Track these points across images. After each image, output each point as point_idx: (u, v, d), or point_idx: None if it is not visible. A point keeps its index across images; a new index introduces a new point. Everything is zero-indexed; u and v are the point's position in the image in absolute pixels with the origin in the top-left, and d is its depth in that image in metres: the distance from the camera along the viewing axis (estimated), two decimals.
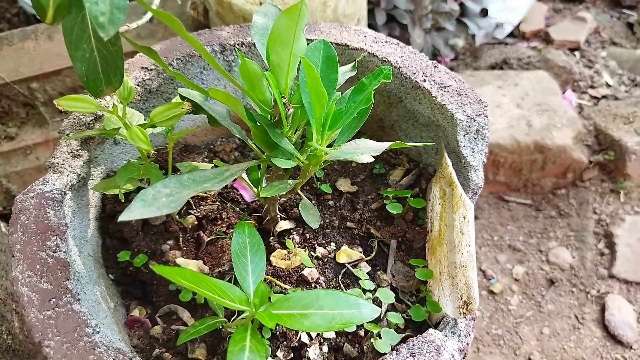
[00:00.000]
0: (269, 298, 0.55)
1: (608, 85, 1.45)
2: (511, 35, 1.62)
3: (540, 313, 1.13)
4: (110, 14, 0.41)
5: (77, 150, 0.64)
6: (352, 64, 0.66)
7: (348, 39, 0.77)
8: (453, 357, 0.51)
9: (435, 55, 1.44)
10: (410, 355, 0.50)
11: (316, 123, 0.56)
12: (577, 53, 1.59)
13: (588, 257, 1.19)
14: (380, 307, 0.65)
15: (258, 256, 0.54)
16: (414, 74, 0.72)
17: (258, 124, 0.59)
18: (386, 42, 0.77)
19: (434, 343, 0.51)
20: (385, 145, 0.60)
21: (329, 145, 0.60)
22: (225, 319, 0.57)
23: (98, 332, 0.51)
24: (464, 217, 0.60)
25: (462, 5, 1.41)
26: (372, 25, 1.16)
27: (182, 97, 0.62)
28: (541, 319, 1.13)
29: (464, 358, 0.55)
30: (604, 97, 1.42)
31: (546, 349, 1.09)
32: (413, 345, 0.51)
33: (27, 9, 1.53)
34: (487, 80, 1.31)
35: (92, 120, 0.66)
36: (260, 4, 0.89)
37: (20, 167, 1.13)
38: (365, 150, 0.61)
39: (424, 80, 0.71)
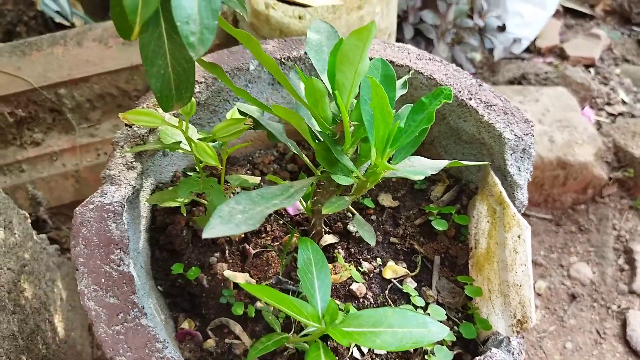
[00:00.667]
0: None
1: (624, 103, 1.48)
2: (527, 50, 1.64)
3: (563, 328, 1.15)
4: (200, 34, 0.42)
5: (131, 162, 0.65)
6: (402, 81, 0.66)
7: (392, 56, 0.78)
8: None
9: None
10: None
11: (378, 141, 0.56)
12: (592, 70, 1.61)
13: (608, 273, 1.21)
14: None
15: (323, 273, 0.54)
16: (459, 92, 0.73)
17: (318, 141, 0.60)
18: (430, 59, 0.78)
19: None
20: (443, 164, 0.61)
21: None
22: (287, 335, 0.57)
23: (167, 347, 0.51)
24: (518, 237, 0.61)
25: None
26: (399, 39, 1.18)
27: (241, 112, 0.62)
28: (564, 334, 1.14)
29: None
30: (620, 114, 1.44)
31: None
32: None
33: (48, 12, 1.53)
34: (507, 95, 1.33)
35: (146, 132, 0.66)
36: (299, 17, 0.90)
37: (46, 173, 1.13)
38: (422, 168, 0.62)
39: (470, 99, 0.72)
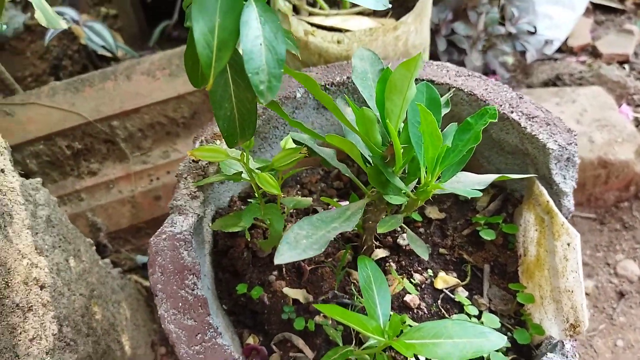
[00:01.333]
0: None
1: None
2: (559, 50, 1.65)
3: (613, 326, 1.15)
4: (268, 82, 0.46)
5: (194, 192, 0.70)
6: (445, 100, 0.70)
7: (432, 75, 0.81)
8: None
9: (486, 74, 1.48)
10: None
11: (428, 162, 0.60)
12: (626, 66, 1.60)
13: None
14: None
15: (383, 289, 0.58)
16: (500, 105, 0.76)
17: (369, 164, 0.64)
18: (469, 75, 0.80)
19: None
20: (491, 179, 0.64)
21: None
22: (352, 348, 0.61)
23: None
24: (568, 244, 0.63)
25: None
26: (432, 52, 1.21)
27: (295, 142, 0.67)
28: (614, 332, 1.14)
29: None
30: None
31: None
32: None
33: (92, 47, 1.61)
34: (544, 97, 1.34)
35: (206, 164, 0.71)
36: (338, 42, 0.94)
37: (104, 201, 1.20)
38: (469, 184, 0.65)
39: (512, 112, 0.75)
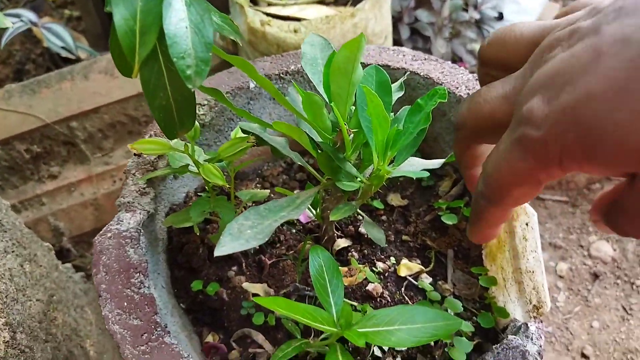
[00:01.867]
0: None
1: None
2: None
3: (588, 307, 1.15)
4: (196, 67, 0.44)
5: (144, 188, 0.67)
6: (399, 84, 0.68)
7: (388, 60, 0.79)
8: None
9: (454, 61, 1.47)
10: None
11: (378, 146, 0.58)
12: None
13: (629, 249, 1.20)
14: None
15: (335, 277, 0.56)
16: (457, 88, 0.74)
17: (320, 151, 0.62)
18: (425, 59, 0.79)
19: (518, 349, 0.53)
20: (441, 161, 0.62)
21: (389, 165, 0.63)
22: (307, 340, 0.59)
23: None
24: (527, 224, 0.62)
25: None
26: (396, 40, 1.19)
27: (244, 131, 0.64)
28: (589, 313, 1.14)
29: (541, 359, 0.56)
30: None
31: (598, 343, 1.10)
32: (498, 353, 0.53)
33: (53, 49, 1.57)
34: None
35: (155, 159, 0.69)
36: (295, 31, 0.92)
37: (65, 205, 1.17)
38: (421, 167, 0.63)
39: (468, 94, 0.73)
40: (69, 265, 1.02)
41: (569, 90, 0.38)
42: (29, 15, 1.46)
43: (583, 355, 1.09)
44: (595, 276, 1.19)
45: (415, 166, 0.65)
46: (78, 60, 1.74)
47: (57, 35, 1.45)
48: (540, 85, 0.41)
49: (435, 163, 0.59)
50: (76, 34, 1.79)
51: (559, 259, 1.21)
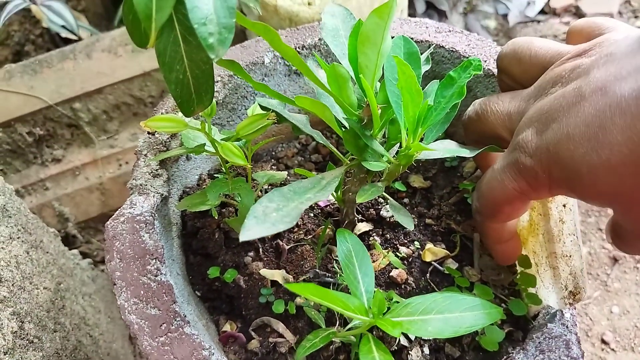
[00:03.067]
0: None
1: None
2: (542, 12, 1.59)
3: (608, 292, 1.12)
4: (219, 35, 0.40)
5: (156, 170, 0.64)
6: (425, 56, 0.64)
7: (410, 32, 0.75)
8: (579, 349, 0.49)
9: None
10: (539, 353, 0.48)
11: (408, 122, 0.54)
12: None
13: None
14: None
15: (365, 263, 0.53)
16: (485, 61, 0.70)
17: (345, 128, 0.58)
18: (449, 31, 0.75)
19: (561, 338, 0.50)
20: (476, 151, 0.58)
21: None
22: (334, 329, 0.56)
23: (213, 353, 0.50)
24: (564, 206, 0.58)
25: None
26: (411, 14, 1.15)
27: (262, 108, 0.60)
28: (609, 298, 1.11)
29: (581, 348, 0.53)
30: None
31: (618, 328, 1.07)
32: (540, 342, 0.50)
33: (53, 28, 1.52)
34: None
35: (167, 139, 0.65)
36: (309, 4, 0.87)
37: (70, 189, 1.13)
38: (450, 152, 0.59)
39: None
40: (75, 251, 0.99)
41: (554, 127, 0.41)
42: None
43: (603, 341, 1.07)
44: (615, 260, 1.16)
45: (441, 151, 0.60)
46: (79, 40, 1.69)
47: (57, 13, 1.40)
48: (535, 118, 0.45)
49: (467, 151, 0.56)
50: (76, 14, 1.73)
51: None
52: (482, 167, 0.65)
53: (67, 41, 1.76)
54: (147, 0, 0.39)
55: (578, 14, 1.60)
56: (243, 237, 0.43)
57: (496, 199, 0.51)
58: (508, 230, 0.59)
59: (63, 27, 1.44)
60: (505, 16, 1.45)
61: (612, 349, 1.05)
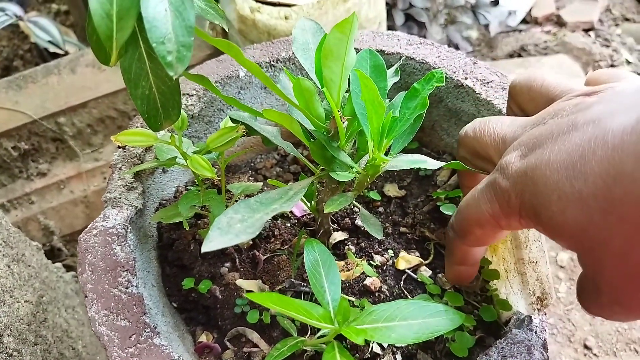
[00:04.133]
0: None
1: (628, 62, 1.44)
2: (523, 21, 1.61)
3: None
4: (177, 52, 0.41)
5: (131, 183, 0.65)
6: (394, 69, 0.65)
7: (382, 45, 0.77)
8: (542, 354, 0.50)
9: None
10: (501, 358, 0.49)
11: (373, 133, 0.55)
12: (592, 33, 1.58)
13: None
14: None
15: (331, 272, 0.53)
16: (454, 72, 0.72)
17: (313, 140, 0.59)
18: (420, 43, 0.76)
19: (523, 343, 0.51)
20: (439, 164, 0.58)
21: (385, 154, 0.60)
22: (303, 338, 0.56)
23: None
24: None
25: None
26: (390, 26, 1.16)
27: (233, 120, 0.62)
28: None
29: (547, 353, 0.54)
30: None
31: (600, 333, 1.08)
32: (502, 348, 0.51)
33: (40, 44, 1.54)
34: (508, 69, 1.31)
35: (142, 152, 0.66)
36: (286, 18, 0.89)
37: (55, 202, 1.14)
38: (416, 164, 0.60)
39: (466, 78, 0.71)
40: (59, 264, 1.00)
41: (538, 152, 0.40)
42: (14, 8, 1.42)
43: (585, 346, 1.07)
44: None
45: (405, 162, 0.61)
46: (66, 54, 1.71)
47: (43, 29, 1.42)
48: (523, 143, 0.44)
49: (434, 164, 0.56)
50: (64, 29, 1.75)
51: (560, 248, 1.19)
52: (466, 187, 0.63)
53: (55, 56, 1.78)
54: (107, 21, 0.40)
55: (559, 22, 1.62)
56: (205, 248, 0.44)
57: (470, 218, 0.50)
58: (473, 257, 0.58)
59: (50, 42, 1.46)
60: (486, 26, 1.48)
61: (595, 354, 1.06)
